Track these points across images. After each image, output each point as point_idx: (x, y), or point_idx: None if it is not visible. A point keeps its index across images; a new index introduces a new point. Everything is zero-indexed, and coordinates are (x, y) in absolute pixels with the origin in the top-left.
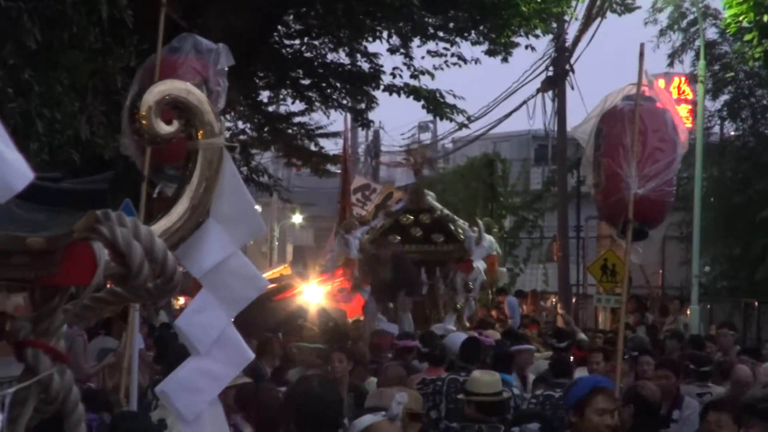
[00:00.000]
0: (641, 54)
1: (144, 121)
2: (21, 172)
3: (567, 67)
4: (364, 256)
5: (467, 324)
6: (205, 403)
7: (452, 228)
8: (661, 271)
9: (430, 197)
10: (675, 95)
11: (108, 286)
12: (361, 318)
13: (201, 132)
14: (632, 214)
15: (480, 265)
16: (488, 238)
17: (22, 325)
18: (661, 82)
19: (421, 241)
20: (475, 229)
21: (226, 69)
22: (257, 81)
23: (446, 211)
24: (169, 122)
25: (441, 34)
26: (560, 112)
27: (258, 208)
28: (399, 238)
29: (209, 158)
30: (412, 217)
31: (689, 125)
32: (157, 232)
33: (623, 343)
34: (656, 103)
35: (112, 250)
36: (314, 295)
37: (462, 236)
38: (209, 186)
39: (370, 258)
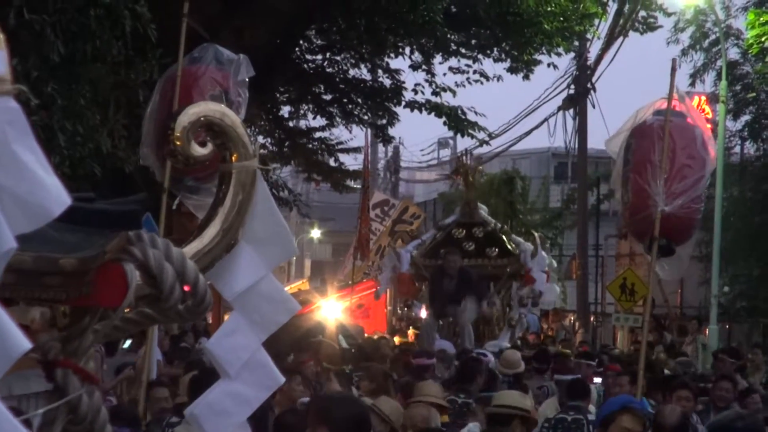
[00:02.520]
0: (673, 69)
1: (178, 143)
2: (59, 197)
3: (588, 85)
4: (423, 270)
5: (518, 341)
6: (234, 427)
7: (506, 241)
8: (679, 291)
9: (483, 211)
10: None
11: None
12: (384, 335)
13: (235, 155)
14: (658, 232)
15: (541, 279)
16: (543, 254)
17: (52, 344)
18: None
19: (474, 255)
20: (532, 240)
21: (247, 80)
22: (278, 96)
23: (500, 225)
24: (203, 144)
25: (463, 50)
26: (581, 131)
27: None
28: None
29: (242, 181)
30: (464, 231)
31: None
32: (188, 254)
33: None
34: (687, 119)
35: (144, 272)
36: (333, 310)
37: (517, 250)
38: (242, 209)
39: (435, 270)
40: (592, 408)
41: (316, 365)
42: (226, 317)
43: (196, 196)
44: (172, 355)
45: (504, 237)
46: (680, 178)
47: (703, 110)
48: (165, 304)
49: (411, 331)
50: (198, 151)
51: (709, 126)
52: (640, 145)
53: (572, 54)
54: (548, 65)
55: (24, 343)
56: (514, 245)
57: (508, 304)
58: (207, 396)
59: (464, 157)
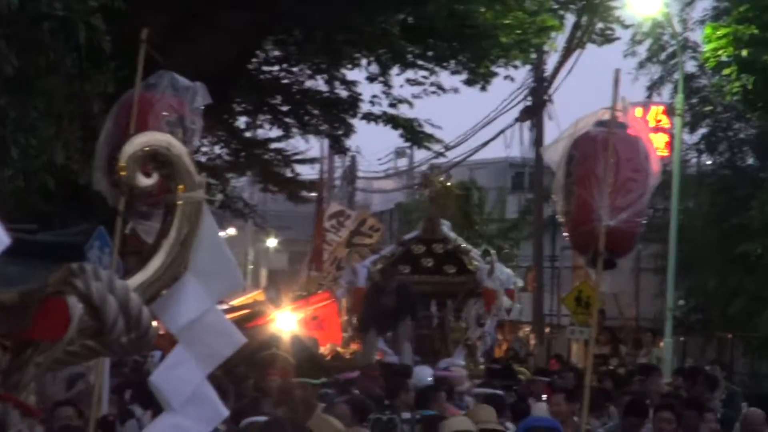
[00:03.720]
0: (616, 80)
1: (123, 173)
2: None
3: (545, 97)
4: (360, 293)
5: (481, 360)
6: None
7: (465, 259)
8: (635, 303)
9: (446, 227)
10: (653, 124)
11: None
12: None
13: (181, 186)
14: (602, 246)
15: (504, 298)
16: (506, 271)
17: None
18: (639, 111)
19: (432, 272)
20: (488, 259)
21: (202, 108)
22: (235, 106)
23: (461, 242)
24: (148, 174)
25: (420, 62)
26: (538, 142)
27: (233, 231)
28: (409, 268)
29: (188, 212)
30: (424, 247)
31: (666, 154)
32: (132, 287)
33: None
34: (628, 130)
35: (87, 304)
36: (287, 322)
37: (474, 268)
38: (187, 240)
39: (373, 287)
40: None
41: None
42: None
43: (148, 222)
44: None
45: (463, 255)
46: (625, 192)
47: (661, 120)
48: (108, 337)
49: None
50: (143, 181)
51: (666, 138)
52: (584, 158)
53: (529, 66)
54: (505, 78)
55: None
56: (471, 263)
57: (465, 322)
58: (150, 429)
59: (427, 170)
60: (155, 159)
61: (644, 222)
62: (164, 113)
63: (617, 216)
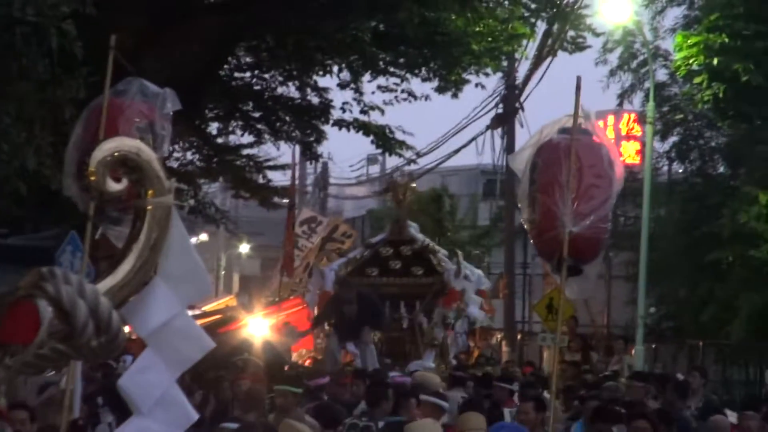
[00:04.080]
0: (578, 87)
1: (93, 178)
2: None
3: (517, 105)
4: (326, 297)
5: (453, 362)
6: None
7: (433, 259)
8: (606, 310)
9: (413, 229)
10: (624, 131)
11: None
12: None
13: (150, 191)
14: (567, 252)
15: (473, 300)
16: (477, 272)
17: None
18: (611, 119)
19: (400, 274)
20: (455, 260)
21: (171, 114)
22: (207, 112)
23: (428, 242)
24: (118, 180)
25: (392, 69)
26: (509, 150)
27: (205, 237)
28: (377, 270)
29: (158, 217)
30: (392, 250)
31: (637, 162)
32: (102, 290)
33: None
34: (593, 137)
35: (57, 308)
36: (259, 328)
37: (441, 268)
38: (157, 245)
39: (334, 298)
40: None
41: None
42: None
43: (118, 227)
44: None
45: (431, 255)
46: (588, 198)
47: (632, 128)
48: (78, 341)
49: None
50: (112, 186)
51: (638, 146)
52: (547, 165)
53: (501, 74)
54: (476, 85)
55: None
56: (438, 263)
57: (435, 323)
58: None
59: (396, 175)
60: (125, 164)
61: (609, 228)
62: (135, 119)
63: (581, 222)
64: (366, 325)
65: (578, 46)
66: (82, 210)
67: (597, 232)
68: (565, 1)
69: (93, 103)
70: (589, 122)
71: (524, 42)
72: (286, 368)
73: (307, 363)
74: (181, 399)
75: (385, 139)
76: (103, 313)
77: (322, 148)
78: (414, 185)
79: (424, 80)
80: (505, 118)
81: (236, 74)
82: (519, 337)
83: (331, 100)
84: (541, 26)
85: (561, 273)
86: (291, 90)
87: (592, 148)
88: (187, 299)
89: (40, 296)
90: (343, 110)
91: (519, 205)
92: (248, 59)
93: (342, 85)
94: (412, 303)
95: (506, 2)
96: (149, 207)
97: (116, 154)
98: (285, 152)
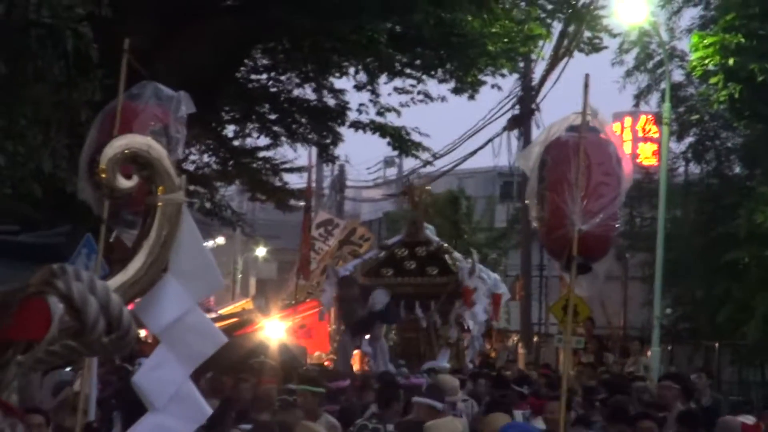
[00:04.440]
0: (586, 85)
1: (104, 175)
2: None
3: (533, 106)
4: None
5: (470, 364)
6: None
7: (447, 259)
8: (623, 312)
9: (429, 231)
10: (641, 133)
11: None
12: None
13: (161, 187)
14: (576, 250)
15: (481, 299)
16: (493, 276)
17: None
18: (628, 120)
19: (414, 274)
20: (470, 260)
21: (185, 117)
22: (223, 115)
23: (443, 244)
24: (128, 177)
25: (408, 71)
26: None
27: (221, 240)
28: (392, 271)
29: (168, 214)
30: (407, 251)
31: (654, 162)
32: (113, 287)
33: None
34: (600, 135)
35: (68, 305)
36: (276, 330)
37: (455, 268)
38: (167, 241)
39: (340, 301)
40: None
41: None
42: None
43: (133, 230)
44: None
45: (446, 255)
46: (597, 196)
47: (649, 129)
48: (89, 337)
49: (356, 352)
50: (123, 183)
51: (654, 147)
52: (556, 162)
53: (517, 75)
54: (492, 86)
55: None
56: (453, 263)
57: (447, 323)
58: (135, 429)
59: (412, 177)
60: (135, 161)
61: (618, 226)
62: (150, 123)
63: (590, 220)
64: (376, 319)
65: (594, 47)
66: (96, 213)
67: (606, 230)
68: (581, 2)
69: (107, 106)
70: (597, 120)
71: (540, 43)
72: (304, 369)
73: (326, 365)
74: (195, 394)
75: (401, 141)
76: (114, 309)
77: (339, 151)
78: (429, 188)
79: (440, 81)
80: (522, 120)
81: (252, 76)
82: (536, 339)
83: (348, 102)
84: (557, 27)
85: (571, 271)
86: (307, 92)
87: (600, 146)
88: (199, 295)
89: (51, 293)
90: (360, 112)
91: (527, 203)
92: (264, 61)
93: (358, 87)
94: (428, 303)
95: (522, 3)
96: (160, 203)
97: (126, 151)
98: (301, 154)
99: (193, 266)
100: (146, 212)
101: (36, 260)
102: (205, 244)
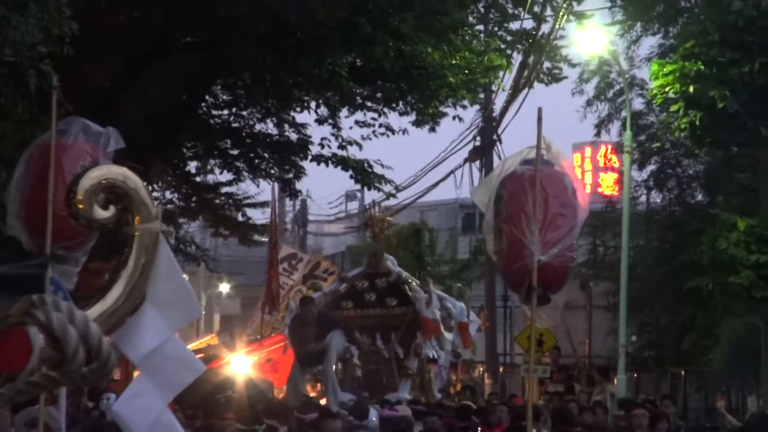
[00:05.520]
0: (539, 118)
1: (81, 206)
2: None
3: (494, 137)
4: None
5: (438, 395)
6: None
7: (406, 290)
8: (587, 341)
9: (390, 261)
10: (602, 163)
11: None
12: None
13: (137, 217)
14: (536, 281)
15: (447, 331)
16: (459, 305)
17: None
18: (588, 150)
19: (374, 306)
20: (427, 289)
21: (113, 152)
22: (185, 151)
23: (403, 274)
24: (105, 208)
25: (369, 104)
26: None
27: (185, 276)
28: (352, 303)
29: (145, 243)
30: (367, 282)
31: (615, 192)
32: (92, 317)
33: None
34: (555, 168)
35: (48, 335)
36: (242, 365)
37: (413, 298)
38: (145, 271)
39: (294, 320)
40: None
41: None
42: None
43: (63, 265)
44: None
45: (405, 286)
46: (554, 227)
47: (610, 159)
48: (69, 367)
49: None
50: (101, 214)
51: (615, 176)
52: (512, 196)
53: (478, 106)
54: (454, 118)
55: None
56: (411, 293)
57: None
58: None
59: (373, 209)
60: (112, 191)
61: (575, 257)
62: (80, 158)
63: (548, 251)
64: (327, 349)
65: (554, 77)
66: (26, 249)
67: (564, 260)
68: (540, 33)
69: (33, 144)
70: (551, 152)
71: (501, 74)
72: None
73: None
74: (174, 422)
75: (364, 174)
76: (93, 339)
77: (301, 185)
78: (390, 219)
79: (401, 114)
80: (483, 151)
81: (214, 112)
82: (501, 369)
83: (310, 136)
84: (517, 58)
85: (531, 302)
86: (269, 126)
87: (555, 178)
88: (177, 324)
89: (31, 323)
90: (322, 146)
91: (484, 238)
92: (226, 96)
93: (320, 121)
94: (388, 335)
95: (482, 35)
96: (137, 233)
97: (104, 181)
98: (264, 189)
99: (171, 295)
100: (123, 242)
101: (14, 291)
102: None
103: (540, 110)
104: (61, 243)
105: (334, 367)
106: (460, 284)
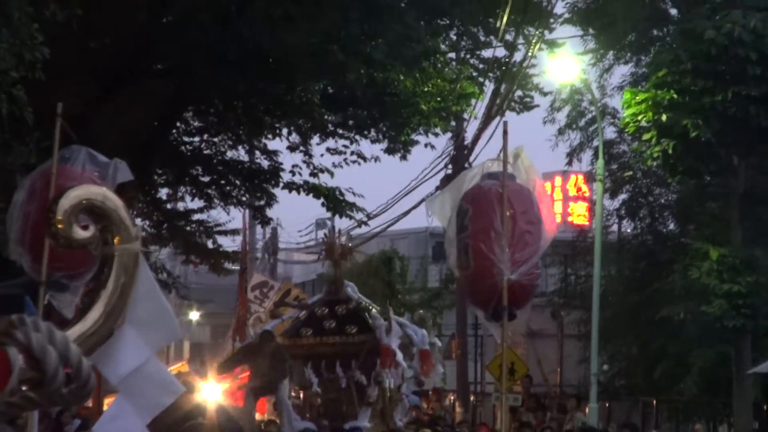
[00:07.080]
0: (505, 132)
1: (60, 226)
2: None
3: (466, 165)
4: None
5: (399, 423)
6: None
7: (366, 317)
8: (558, 369)
9: (351, 288)
10: (573, 192)
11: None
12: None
13: (117, 237)
14: (506, 301)
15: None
16: (420, 332)
17: None
18: (558, 180)
19: (334, 333)
20: (386, 317)
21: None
22: (156, 178)
23: (364, 301)
24: (85, 228)
25: (340, 131)
26: None
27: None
28: (311, 330)
29: (125, 263)
30: (327, 309)
31: (587, 222)
32: (71, 338)
33: None
34: (517, 180)
35: (27, 356)
36: (213, 392)
37: (373, 326)
38: (125, 291)
39: (247, 348)
40: None
41: None
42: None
43: (63, 294)
44: None
45: (365, 313)
46: (523, 245)
47: (581, 189)
48: (49, 388)
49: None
50: (80, 234)
51: (587, 205)
52: (479, 211)
53: (449, 134)
54: (425, 145)
55: None
56: (371, 321)
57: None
58: None
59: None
60: (92, 212)
61: (540, 274)
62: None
63: (518, 269)
64: (280, 379)
65: (526, 106)
66: (28, 273)
67: (531, 278)
68: (512, 61)
69: (36, 171)
70: (516, 165)
71: (473, 101)
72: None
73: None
74: None
75: (335, 201)
76: (73, 359)
77: (272, 213)
78: (350, 244)
79: (373, 142)
80: (455, 179)
81: (185, 138)
82: (472, 398)
83: (281, 163)
84: (489, 86)
85: (502, 320)
86: (240, 153)
87: (521, 193)
88: (157, 344)
89: (10, 344)
90: (293, 173)
91: (446, 251)
92: (197, 123)
93: (291, 148)
94: (348, 362)
95: (454, 62)
96: (116, 253)
97: (84, 201)
98: (235, 217)
99: (151, 316)
100: (102, 263)
101: None
102: None
103: (506, 123)
104: (65, 270)
105: (287, 393)
106: (421, 311)
